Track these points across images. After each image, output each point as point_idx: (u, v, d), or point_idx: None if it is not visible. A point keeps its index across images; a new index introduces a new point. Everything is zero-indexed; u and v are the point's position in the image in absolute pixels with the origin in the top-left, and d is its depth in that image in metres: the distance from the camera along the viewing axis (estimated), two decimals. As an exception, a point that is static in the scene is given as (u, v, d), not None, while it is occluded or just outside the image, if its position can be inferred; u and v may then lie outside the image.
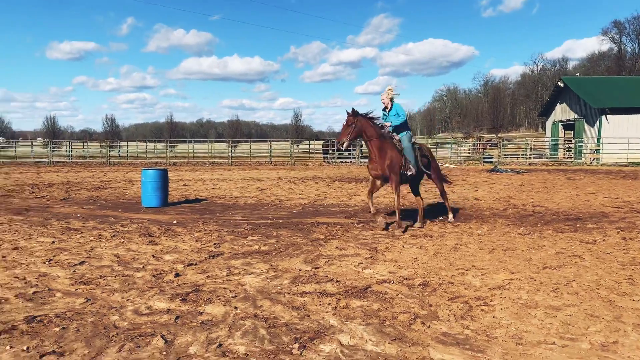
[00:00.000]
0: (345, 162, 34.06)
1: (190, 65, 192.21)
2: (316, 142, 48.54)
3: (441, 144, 47.17)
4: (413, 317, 4.32)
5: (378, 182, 8.61)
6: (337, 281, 5.41)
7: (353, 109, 8.25)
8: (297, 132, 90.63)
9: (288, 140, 45.82)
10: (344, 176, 21.98)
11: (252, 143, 42.92)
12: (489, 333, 3.97)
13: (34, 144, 51.79)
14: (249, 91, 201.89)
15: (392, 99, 8.68)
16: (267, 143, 42.74)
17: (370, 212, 8.66)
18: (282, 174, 23.55)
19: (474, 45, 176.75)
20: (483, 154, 34.79)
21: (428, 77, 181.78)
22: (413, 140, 8.97)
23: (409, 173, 8.44)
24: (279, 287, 5.21)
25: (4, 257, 6.51)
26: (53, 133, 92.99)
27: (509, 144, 42.68)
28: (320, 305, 4.64)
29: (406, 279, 5.52)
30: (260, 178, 21.03)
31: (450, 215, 9.46)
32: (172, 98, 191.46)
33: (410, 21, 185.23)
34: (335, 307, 4.57)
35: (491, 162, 31.76)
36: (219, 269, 6.00)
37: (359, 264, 6.20)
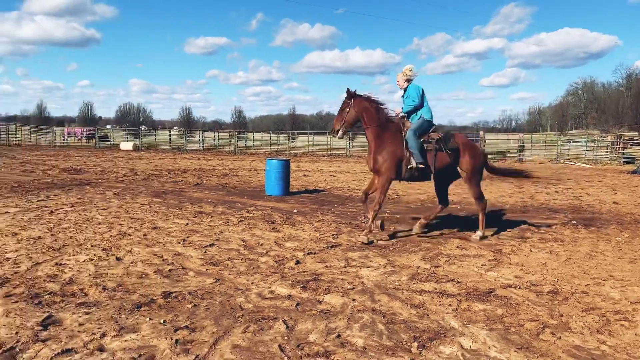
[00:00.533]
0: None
1: (314, 58, 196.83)
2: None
3: (574, 142, 43.60)
4: (541, 326, 4.04)
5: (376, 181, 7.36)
6: (458, 282, 5.24)
7: (348, 89, 7.20)
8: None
9: (407, 134, 44.97)
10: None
11: (370, 136, 42.83)
12: (630, 352, 3.60)
13: (171, 132, 56.51)
14: (368, 84, 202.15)
15: (408, 80, 7.41)
16: (385, 136, 42.28)
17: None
18: (400, 168, 23.30)
19: (617, 35, 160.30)
20: (623, 154, 31.58)
21: (561, 69, 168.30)
22: (440, 127, 7.53)
23: (409, 166, 7.08)
24: (396, 283, 5.16)
25: (145, 235, 7.17)
26: (188, 123, 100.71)
27: (655, 144, 38.24)
28: (440, 305, 4.52)
29: (534, 284, 5.19)
30: (378, 171, 20.97)
31: (479, 232, 7.42)
32: (295, 91, 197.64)
33: (544, 10, 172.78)
34: (456, 309, 4.42)
35: (633, 162, 28.73)
36: (337, 259, 6.09)
37: (482, 265, 5.94)
